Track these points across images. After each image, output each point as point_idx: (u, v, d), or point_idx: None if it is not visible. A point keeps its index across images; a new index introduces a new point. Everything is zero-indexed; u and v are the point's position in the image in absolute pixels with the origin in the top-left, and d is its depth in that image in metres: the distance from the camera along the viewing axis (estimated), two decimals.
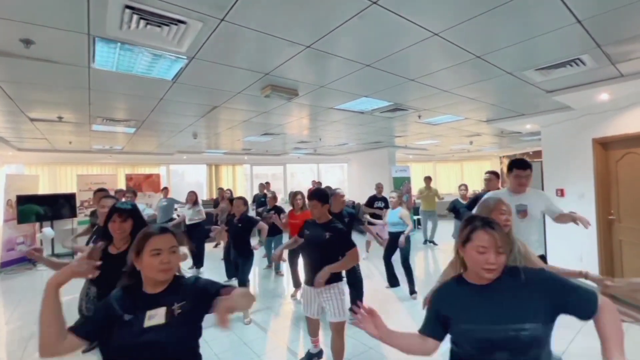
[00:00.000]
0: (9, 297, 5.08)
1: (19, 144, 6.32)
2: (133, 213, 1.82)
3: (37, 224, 7.42)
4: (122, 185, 8.78)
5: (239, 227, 4.03)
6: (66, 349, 1.11)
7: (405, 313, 3.88)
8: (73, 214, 7.86)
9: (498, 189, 3.81)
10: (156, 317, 1.16)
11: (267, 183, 8.89)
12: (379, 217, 5.52)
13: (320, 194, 2.56)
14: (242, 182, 10.95)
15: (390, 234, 4.50)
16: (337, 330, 2.49)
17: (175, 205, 7.35)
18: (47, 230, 6.87)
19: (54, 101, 3.48)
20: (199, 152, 8.84)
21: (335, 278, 2.51)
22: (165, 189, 7.42)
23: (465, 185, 6.48)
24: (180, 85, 3.09)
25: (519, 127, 6.11)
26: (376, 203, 6.39)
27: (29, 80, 2.80)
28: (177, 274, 1.31)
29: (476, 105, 4.34)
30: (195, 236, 5.87)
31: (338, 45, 2.32)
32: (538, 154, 10.82)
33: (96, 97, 3.38)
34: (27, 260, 7.41)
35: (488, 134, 7.24)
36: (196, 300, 1.22)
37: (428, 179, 8.60)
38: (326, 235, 2.50)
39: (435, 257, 6.99)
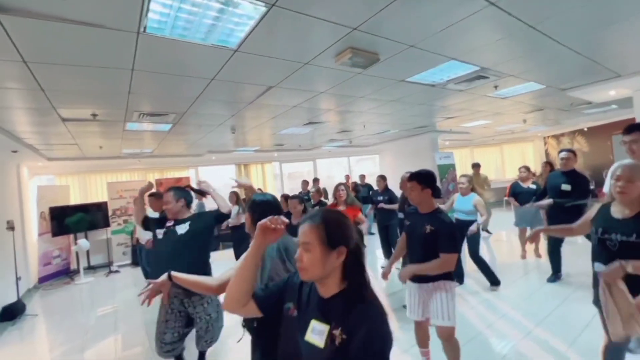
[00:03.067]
0: (51, 314, 4.72)
1: (49, 152, 5.98)
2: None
3: (72, 236, 7.12)
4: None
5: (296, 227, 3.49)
6: (247, 310, 1.05)
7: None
8: (106, 223, 7.54)
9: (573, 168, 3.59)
10: (317, 334, 0.90)
11: (315, 179, 8.35)
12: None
13: (421, 175, 2.13)
14: (272, 182, 10.44)
15: (459, 221, 3.85)
16: (445, 337, 2.06)
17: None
18: (83, 242, 6.54)
19: (90, 90, 2.98)
20: (229, 151, 8.37)
21: (443, 274, 2.04)
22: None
23: (527, 167, 5.43)
24: (241, 56, 2.51)
25: (601, 95, 5.29)
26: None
27: (65, 58, 2.29)
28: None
29: (567, 65, 3.62)
30: (237, 238, 5.42)
31: None
32: (594, 129, 9.84)
33: (138, 82, 2.85)
34: (65, 274, 7.14)
35: (552, 107, 6.41)
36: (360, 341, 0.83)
37: (477, 166, 7.85)
38: (427, 228, 2.01)
39: (489, 246, 6.29)
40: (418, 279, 2.11)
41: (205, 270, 2.46)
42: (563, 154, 3.62)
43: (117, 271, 7.14)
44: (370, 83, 3.52)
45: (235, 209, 5.52)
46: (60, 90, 2.86)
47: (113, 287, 6.00)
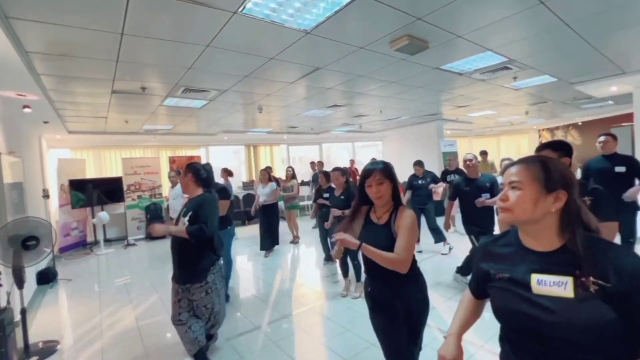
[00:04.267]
0: (85, 279, 4.96)
1: (73, 125, 6.04)
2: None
3: (89, 209, 7.26)
4: (166, 167, 8.56)
5: (341, 199, 3.80)
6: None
7: None
8: (121, 198, 7.69)
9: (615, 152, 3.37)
10: (553, 286, 0.81)
11: (320, 162, 8.61)
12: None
13: (559, 144, 1.85)
14: (280, 164, 10.67)
15: None
16: None
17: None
18: (103, 215, 6.69)
19: (157, 64, 3.16)
20: (242, 131, 8.54)
21: None
22: (225, 170, 7.15)
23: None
24: (309, 39, 2.76)
25: (603, 90, 5.74)
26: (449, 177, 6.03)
27: (156, 32, 2.49)
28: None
29: (583, 61, 4.00)
30: (269, 216, 5.61)
31: None
32: (588, 124, 10.44)
33: (206, 58, 3.06)
34: (83, 246, 7.31)
35: (556, 100, 6.87)
36: None
37: (484, 153, 8.27)
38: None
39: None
40: None
41: None
42: (602, 138, 3.42)
43: (134, 244, 7.36)
44: (408, 68, 3.81)
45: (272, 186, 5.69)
46: (131, 62, 3.04)
47: (137, 258, 6.25)
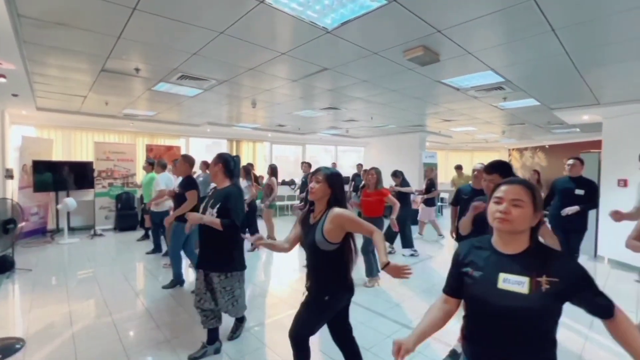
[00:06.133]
0: (46, 270, 4.52)
1: (44, 101, 5.52)
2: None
3: (53, 194, 6.67)
4: (142, 155, 8.09)
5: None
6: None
7: None
8: (90, 184, 7.15)
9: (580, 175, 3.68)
10: (513, 284, 1.06)
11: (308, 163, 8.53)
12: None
13: (502, 166, 2.26)
14: (262, 163, 10.45)
15: None
16: None
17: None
18: (70, 201, 6.18)
19: (160, 45, 2.97)
20: (228, 125, 8.29)
21: None
22: (205, 162, 6.88)
23: None
24: (328, 38, 2.73)
25: (575, 118, 6.22)
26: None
27: (174, 13, 2.34)
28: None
29: (569, 89, 4.33)
30: (248, 213, 5.49)
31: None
32: (554, 147, 11.27)
33: (215, 46, 2.93)
34: (42, 233, 6.69)
35: (532, 123, 7.34)
36: None
37: (459, 168, 8.63)
38: None
39: None
40: None
41: None
42: (570, 161, 3.71)
43: (101, 234, 6.86)
44: (412, 78, 3.89)
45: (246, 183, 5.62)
46: (134, 40, 2.83)
47: (106, 249, 5.84)
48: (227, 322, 2.74)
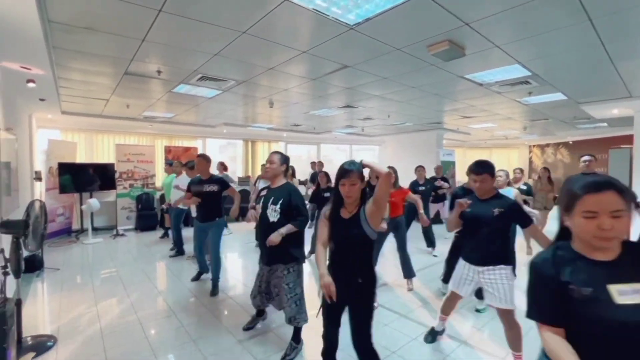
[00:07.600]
0: (74, 269, 4.65)
1: (68, 105, 5.69)
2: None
3: (77, 195, 6.87)
4: (161, 157, 8.25)
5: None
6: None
7: None
8: (112, 185, 7.33)
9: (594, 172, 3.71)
10: (633, 294, 0.91)
11: (320, 162, 8.51)
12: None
13: (490, 165, 2.23)
14: None
15: None
16: (506, 318, 2.20)
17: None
18: (93, 202, 6.33)
19: (184, 47, 2.99)
20: (244, 125, 8.34)
21: (505, 259, 2.25)
22: (222, 163, 6.95)
23: (521, 169, 5.25)
24: (351, 34, 2.68)
25: (604, 112, 5.95)
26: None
27: (201, 15, 2.35)
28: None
29: (600, 81, 4.12)
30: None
31: None
32: (578, 143, 10.84)
33: (237, 45, 2.92)
34: (68, 233, 6.91)
35: (557, 118, 7.07)
36: None
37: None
38: (495, 211, 2.20)
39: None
40: (482, 262, 2.25)
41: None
42: (587, 157, 3.94)
43: (123, 234, 7.03)
44: (433, 74, 3.79)
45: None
46: (157, 42, 2.86)
47: (128, 248, 5.96)
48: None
